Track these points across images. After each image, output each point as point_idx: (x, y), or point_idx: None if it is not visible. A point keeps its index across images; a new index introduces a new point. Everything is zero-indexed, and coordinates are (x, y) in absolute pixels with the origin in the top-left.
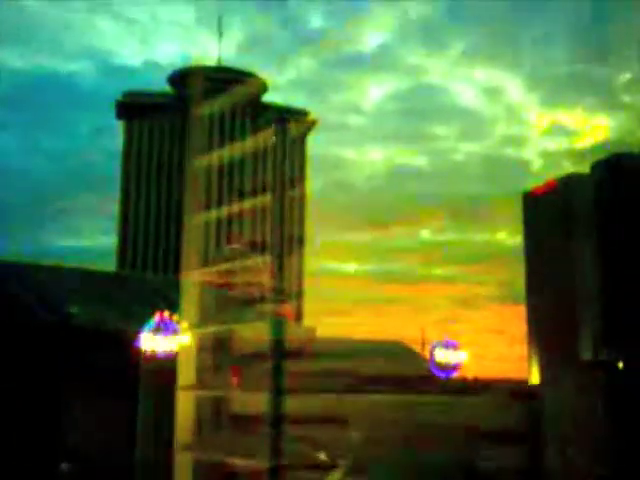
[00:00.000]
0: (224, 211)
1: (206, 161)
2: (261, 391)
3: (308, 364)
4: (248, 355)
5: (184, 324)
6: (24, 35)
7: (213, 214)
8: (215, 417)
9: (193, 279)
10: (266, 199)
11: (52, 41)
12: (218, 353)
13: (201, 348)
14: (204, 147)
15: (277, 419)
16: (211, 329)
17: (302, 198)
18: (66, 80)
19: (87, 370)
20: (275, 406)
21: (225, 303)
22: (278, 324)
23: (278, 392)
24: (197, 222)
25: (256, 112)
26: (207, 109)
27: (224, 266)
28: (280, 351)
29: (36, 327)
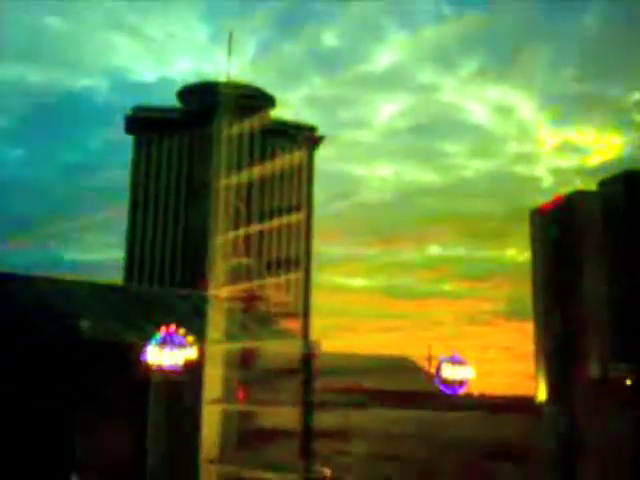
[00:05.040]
0: (250, 229)
1: (232, 180)
2: (287, 405)
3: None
4: (272, 370)
5: (191, 338)
6: (41, 51)
7: (240, 232)
8: (240, 431)
9: (221, 296)
10: (297, 217)
11: (69, 57)
12: (243, 368)
13: (226, 363)
14: (228, 166)
15: (308, 432)
16: (238, 345)
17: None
18: (81, 95)
19: (97, 383)
20: (306, 420)
21: (247, 320)
22: (307, 342)
23: (309, 406)
24: (224, 241)
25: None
26: (234, 130)
27: (254, 284)
28: (310, 367)
29: (46, 341)
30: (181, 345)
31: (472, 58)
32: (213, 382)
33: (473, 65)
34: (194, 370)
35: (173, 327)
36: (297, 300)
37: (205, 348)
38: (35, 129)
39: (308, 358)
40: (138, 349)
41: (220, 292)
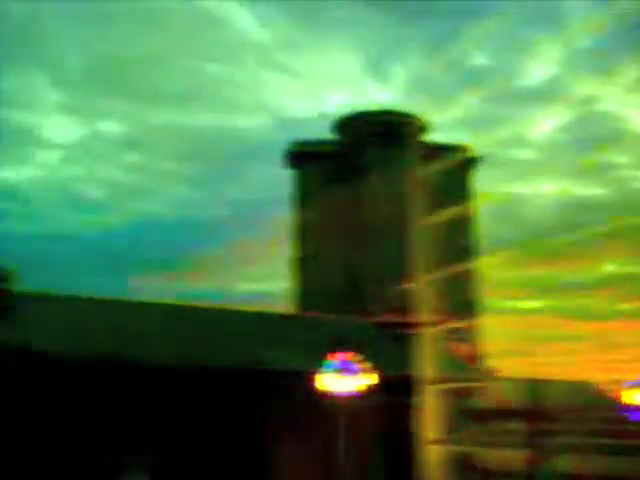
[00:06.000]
0: (443, 271)
1: (429, 220)
2: (510, 447)
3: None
4: (489, 410)
5: (366, 365)
6: (201, 95)
7: (436, 273)
8: (459, 471)
9: (428, 334)
10: (478, 262)
11: (227, 99)
12: (457, 408)
13: (439, 401)
14: (423, 206)
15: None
16: (449, 384)
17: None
18: (241, 134)
19: (282, 413)
20: (541, 465)
21: (447, 357)
22: (533, 387)
23: (543, 450)
24: (426, 279)
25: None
26: (428, 170)
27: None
28: (536, 410)
29: (231, 373)
30: (358, 373)
31: (631, 65)
32: (428, 419)
33: (633, 72)
34: (374, 399)
35: (348, 354)
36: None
37: (419, 384)
38: (201, 169)
39: (536, 400)
40: (313, 377)
41: (429, 326)
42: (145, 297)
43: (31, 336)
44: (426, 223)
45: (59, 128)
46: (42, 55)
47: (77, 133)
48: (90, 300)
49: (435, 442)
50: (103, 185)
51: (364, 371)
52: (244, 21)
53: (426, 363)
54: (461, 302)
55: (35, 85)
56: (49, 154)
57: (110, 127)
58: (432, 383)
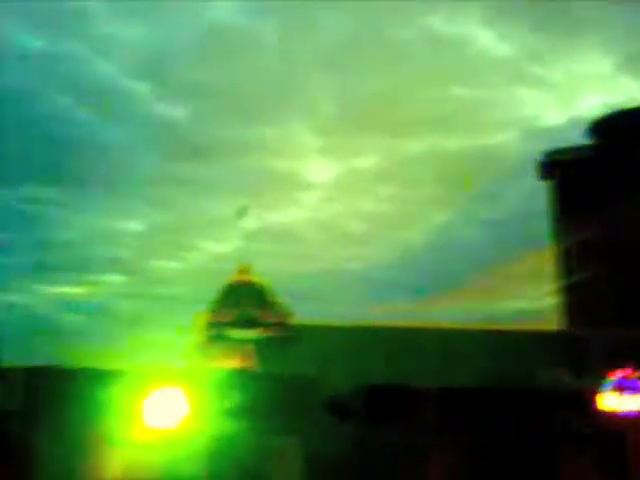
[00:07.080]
0: None
1: None
2: None
3: None
4: None
5: None
6: (453, 119)
7: None
8: None
9: None
10: None
11: (478, 119)
12: None
13: None
14: None
15: None
16: None
17: None
18: (494, 151)
19: (566, 436)
20: None
21: None
22: None
23: None
24: None
25: None
26: None
27: None
28: None
29: (514, 392)
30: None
31: None
32: None
33: None
34: None
35: (628, 371)
36: None
37: None
38: (456, 191)
39: None
40: (594, 396)
41: None
42: (410, 323)
43: (312, 366)
44: None
45: (317, 169)
46: (300, 104)
47: (334, 172)
48: (362, 328)
49: None
50: (362, 218)
51: None
52: (483, 38)
53: None
54: None
55: (295, 132)
56: (310, 195)
57: (364, 162)
58: None
